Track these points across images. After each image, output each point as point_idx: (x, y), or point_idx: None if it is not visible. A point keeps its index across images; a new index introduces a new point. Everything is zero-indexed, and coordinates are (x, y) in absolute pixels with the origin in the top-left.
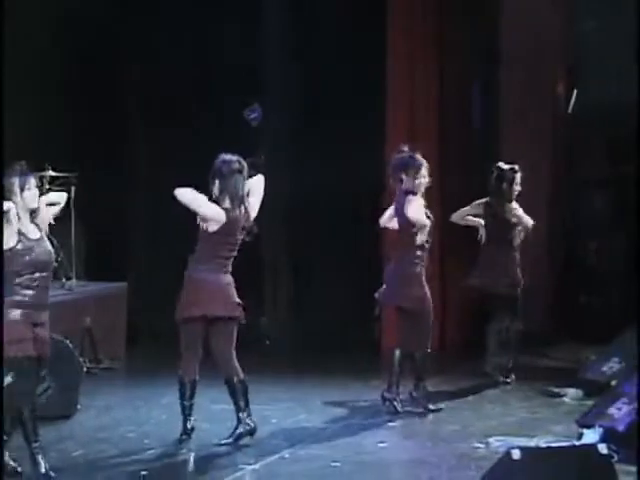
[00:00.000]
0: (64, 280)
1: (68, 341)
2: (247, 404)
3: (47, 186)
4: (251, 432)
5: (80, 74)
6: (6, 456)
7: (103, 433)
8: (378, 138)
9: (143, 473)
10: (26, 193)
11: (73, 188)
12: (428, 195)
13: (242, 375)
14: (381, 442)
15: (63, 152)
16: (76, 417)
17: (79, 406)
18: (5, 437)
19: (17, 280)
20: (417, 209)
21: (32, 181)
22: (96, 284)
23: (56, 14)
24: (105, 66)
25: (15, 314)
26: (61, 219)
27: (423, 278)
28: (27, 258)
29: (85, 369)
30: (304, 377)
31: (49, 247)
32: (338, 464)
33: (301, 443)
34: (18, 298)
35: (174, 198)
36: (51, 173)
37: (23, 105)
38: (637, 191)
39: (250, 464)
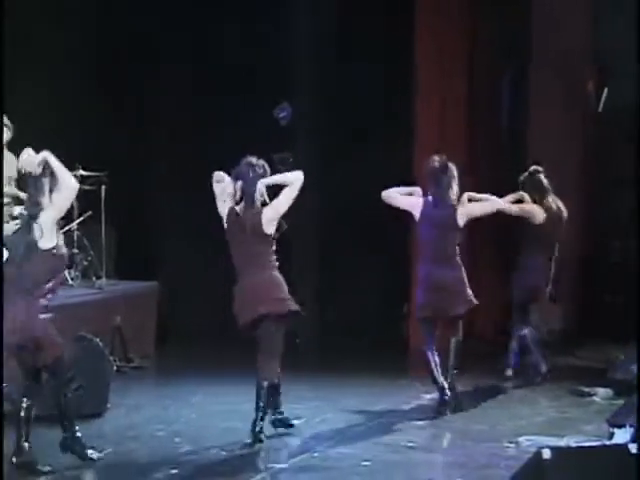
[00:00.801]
0: (94, 279)
1: (98, 340)
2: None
3: (78, 185)
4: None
5: (110, 74)
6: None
7: (133, 431)
8: (407, 136)
9: (173, 471)
10: (55, 195)
11: (103, 187)
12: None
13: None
14: (411, 441)
15: (94, 151)
16: (106, 415)
17: (109, 404)
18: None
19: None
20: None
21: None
22: (126, 283)
23: (87, 16)
24: (134, 66)
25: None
26: (92, 218)
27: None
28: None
29: (115, 368)
30: (333, 376)
31: (63, 250)
32: (368, 463)
33: (330, 442)
34: (45, 302)
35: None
36: (82, 172)
37: (55, 105)
38: (637, 191)
39: (280, 463)
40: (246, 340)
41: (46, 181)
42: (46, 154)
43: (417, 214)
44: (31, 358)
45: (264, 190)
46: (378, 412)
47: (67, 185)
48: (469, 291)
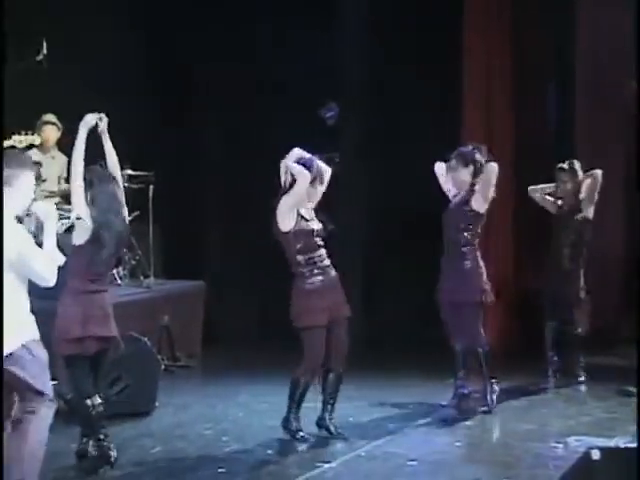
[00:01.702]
0: (142, 278)
1: (146, 339)
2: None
3: (126, 184)
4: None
5: (159, 74)
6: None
7: (181, 430)
8: (453, 137)
9: (220, 470)
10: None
11: (151, 186)
12: (502, 195)
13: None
14: (457, 441)
15: (142, 151)
16: (154, 414)
17: (157, 403)
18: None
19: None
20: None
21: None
22: (174, 282)
23: (135, 15)
24: (182, 66)
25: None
26: (140, 218)
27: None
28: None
29: (163, 367)
30: (380, 375)
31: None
32: (414, 463)
33: (377, 441)
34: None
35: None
36: (130, 172)
37: (103, 105)
38: (637, 191)
39: (327, 462)
40: (292, 339)
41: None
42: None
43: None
44: (105, 353)
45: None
46: (425, 411)
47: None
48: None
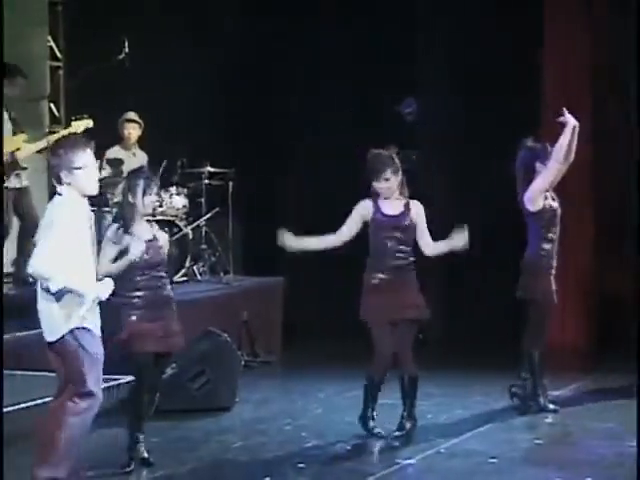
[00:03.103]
0: (222, 274)
1: (226, 335)
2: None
3: (206, 181)
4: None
5: (239, 73)
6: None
7: (260, 426)
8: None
9: (300, 466)
10: (147, 198)
11: (231, 183)
12: (583, 196)
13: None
14: (537, 439)
15: (222, 148)
16: (235, 410)
17: (237, 399)
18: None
19: (134, 281)
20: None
21: (154, 188)
22: (253, 278)
23: (217, 18)
24: (262, 65)
25: (133, 314)
26: (219, 214)
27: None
28: (139, 259)
29: (243, 362)
30: (458, 372)
31: (160, 244)
32: (495, 460)
33: (457, 438)
34: (135, 299)
35: None
36: (210, 169)
37: (184, 103)
38: (638, 192)
39: (407, 459)
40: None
41: None
42: None
43: None
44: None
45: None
46: (505, 409)
47: None
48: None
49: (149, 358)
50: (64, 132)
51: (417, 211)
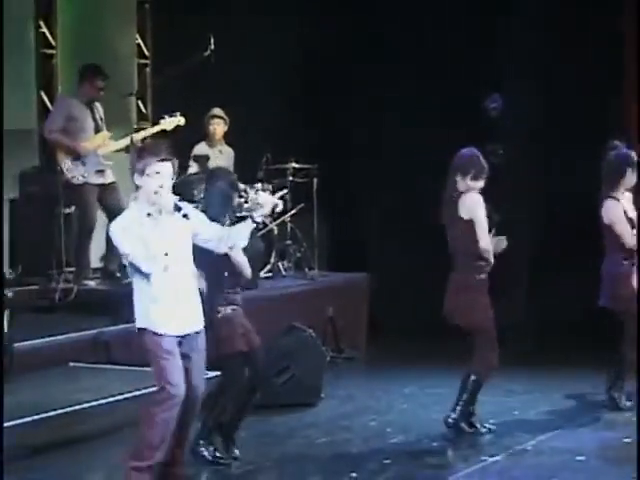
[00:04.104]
0: (307, 270)
1: (311, 330)
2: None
3: (290, 177)
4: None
5: (320, 71)
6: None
7: (345, 421)
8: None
9: (386, 462)
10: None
11: (315, 179)
12: None
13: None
14: (627, 437)
15: (306, 144)
16: (319, 405)
17: (322, 394)
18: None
19: (226, 281)
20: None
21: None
22: (338, 274)
23: (300, 14)
24: (341, 64)
25: (227, 313)
26: (304, 210)
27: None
28: (220, 260)
29: (328, 358)
30: (543, 369)
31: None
32: (582, 458)
33: (544, 436)
34: (228, 299)
35: None
36: (294, 165)
37: (268, 101)
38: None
39: (493, 455)
40: (457, 331)
41: None
42: None
43: None
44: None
45: None
46: (593, 406)
47: None
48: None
49: (240, 356)
50: (154, 129)
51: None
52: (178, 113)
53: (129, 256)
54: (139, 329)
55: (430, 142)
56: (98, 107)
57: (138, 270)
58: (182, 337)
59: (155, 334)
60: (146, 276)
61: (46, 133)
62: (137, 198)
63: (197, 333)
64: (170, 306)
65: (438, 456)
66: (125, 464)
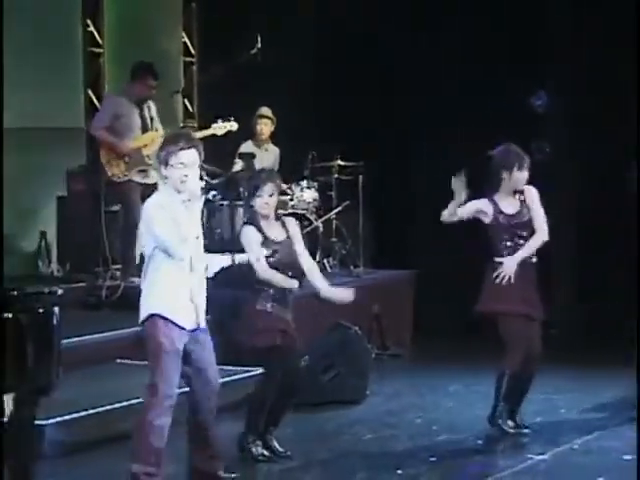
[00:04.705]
0: (352, 268)
1: (356, 328)
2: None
3: (336, 175)
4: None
5: (366, 69)
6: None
7: (392, 419)
8: None
9: (432, 459)
10: (257, 200)
11: (361, 177)
12: None
13: None
14: None
15: (351, 142)
16: (365, 402)
17: (368, 391)
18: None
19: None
20: None
21: (267, 189)
22: (383, 272)
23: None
24: (385, 61)
25: (265, 307)
26: (350, 208)
27: None
28: (271, 260)
29: (373, 355)
30: (591, 367)
31: (293, 248)
32: (629, 458)
33: (591, 434)
34: (267, 295)
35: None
36: (340, 162)
37: (313, 100)
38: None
39: (539, 454)
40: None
41: None
42: None
43: None
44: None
45: None
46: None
47: None
48: None
49: (276, 351)
50: (204, 133)
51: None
52: (232, 118)
53: (159, 238)
54: (150, 316)
55: (474, 141)
56: (150, 106)
57: (165, 252)
58: (192, 331)
59: (169, 324)
60: (173, 260)
61: (92, 130)
62: (166, 183)
63: (203, 329)
64: (188, 296)
65: (484, 454)
66: (131, 469)
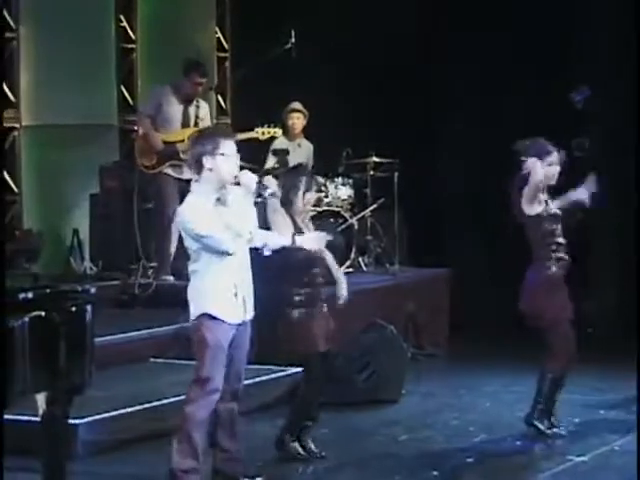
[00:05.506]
0: (387, 266)
1: (392, 327)
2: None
3: (370, 172)
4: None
5: (401, 67)
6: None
7: (427, 419)
8: None
9: (468, 460)
10: (307, 195)
11: (396, 174)
12: None
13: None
14: None
15: (387, 139)
16: (401, 402)
17: (404, 391)
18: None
19: (298, 280)
20: None
21: (314, 185)
22: (419, 270)
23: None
24: (422, 62)
25: (306, 312)
26: (385, 205)
27: None
28: (300, 256)
29: (409, 355)
30: (630, 367)
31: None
32: None
33: (630, 435)
34: (299, 297)
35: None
36: (375, 159)
37: (348, 97)
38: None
39: (579, 455)
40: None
41: None
42: None
43: None
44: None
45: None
46: None
47: None
48: None
49: (317, 357)
50: (245, 135)
51: None
52: (276, 125)
53: (205, 238)
54: (201, 315)
55: (513, 138)
56: (200, 106)
57: (214, 251)
58: (238, 326)
59: (219, 323)
60: (222, 257)
61: (137, 117)
62: (199, 181)
63: (247, 322)
64: (236, 291)
65: (522, 455)
66: (172, 468)
